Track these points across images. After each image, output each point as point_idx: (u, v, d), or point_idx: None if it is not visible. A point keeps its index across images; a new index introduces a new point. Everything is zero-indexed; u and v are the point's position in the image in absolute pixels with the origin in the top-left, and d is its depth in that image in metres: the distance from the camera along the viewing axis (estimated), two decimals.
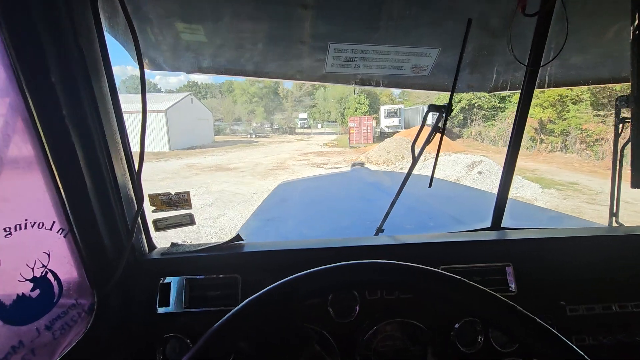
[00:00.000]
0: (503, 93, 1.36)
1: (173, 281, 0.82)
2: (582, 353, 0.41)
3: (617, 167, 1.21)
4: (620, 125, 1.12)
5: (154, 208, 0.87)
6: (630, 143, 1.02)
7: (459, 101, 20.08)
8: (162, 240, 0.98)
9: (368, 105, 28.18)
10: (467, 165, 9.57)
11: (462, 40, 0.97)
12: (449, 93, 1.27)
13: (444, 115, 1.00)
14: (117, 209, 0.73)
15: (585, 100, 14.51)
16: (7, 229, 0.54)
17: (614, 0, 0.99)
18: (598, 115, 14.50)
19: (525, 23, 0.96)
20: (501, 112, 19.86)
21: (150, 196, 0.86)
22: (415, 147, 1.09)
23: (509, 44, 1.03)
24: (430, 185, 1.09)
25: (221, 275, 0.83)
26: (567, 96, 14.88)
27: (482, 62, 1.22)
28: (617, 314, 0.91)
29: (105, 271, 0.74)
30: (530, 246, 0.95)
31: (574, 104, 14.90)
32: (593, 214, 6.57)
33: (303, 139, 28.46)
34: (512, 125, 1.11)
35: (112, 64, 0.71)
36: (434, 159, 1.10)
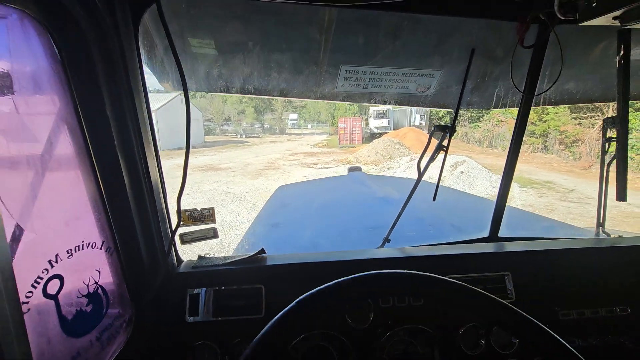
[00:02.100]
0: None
1: (202, 292, 0.88)
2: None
3: (604, 182, 1.29)
4: (607, 144, 1.22)
5: (182, 223, 0.93)
6: (615, 160, 1.13)
7: None
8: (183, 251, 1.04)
9: (358, 106, 28.42)
10: (451, 165, 10.02)
11: (463, 63, 1.06)
12: (447, 108, 1.38)
13: (447, 134, 1.09)
14: (155, 228, 0.80)
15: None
16: (69, 251, 0.60)
17: (601, 34, 1.09)
18: (575, 118, 15.16)
19: (523, 51, 1.05)
20: (486, 114, 20.41)
21: (178, 212, 0.93)
22: (421, 163, 1.19)
23: (511, 74, 1.13)
24: (434, 199, 1.18)
25: (247, 286, 0.89)
26: None
27: (483, 86, 1.32)
28: (604, 318, 1.00)
29: (143, 284, 0.80)
30: (525, 257, 1.04)
31: (553, 107, 15.48)
32: (564, 210, 7.05)
33: (293, 139, 28.49)
34: (511, 131, 1.20)
35: None
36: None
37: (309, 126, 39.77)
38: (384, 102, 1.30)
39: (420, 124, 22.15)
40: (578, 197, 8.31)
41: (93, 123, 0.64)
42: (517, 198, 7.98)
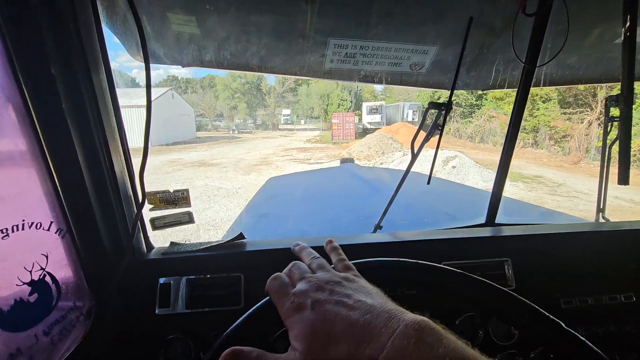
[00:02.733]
0: (495, 91, 1.39)
1: (173, 281, 0.80)
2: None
3: (605, 165, 1.24)
4: (609, 124, 1.14)
5: (152, 206, 0.85)
6: (618, 141, 1.06)
7: (438, 98, 20.60)
8: (156, 239, 0.95)
9: (350, 101, 28.35)
10: (443, 160, 10.07)
11: (460, 38, 0.98)
12: (437, 91, 1.30)
13: (443, 112, 1.02)
14: (117, 209, 0.71)
15: (554, 99, 15.31)
16: (4, 230, 0.51)
17: (606, 3, 1.02)
18: (565, 113, 15.35)
19: (523, 22, 0.98)
20: (477, 109, 20.58)
21: (149, 194, 0.83)
22: (415, 144, 1.12)
23: (512, 43, 1.05)
24: (428, 182, 1.11)
25: (224, 275, 0.82)
26: (537, 94, 15.63)
27: (480, 61, 1.24)
28: (607, 306, 0.95)
29: (105, 272, 0.71)
30: (525, 242, 0.98)
31: (544, 102, 15.69)
32: (553, 204, 7.09)
33: (286, 135, 28.29)
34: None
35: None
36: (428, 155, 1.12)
37: (302, 122, 39.53)
38: (375, 82, 1.22)
39: (413, 119, 22.18)
40: (567, 191, 8.42)
41: (37, 88, 0.54)
42: (507, 192, 7.94)
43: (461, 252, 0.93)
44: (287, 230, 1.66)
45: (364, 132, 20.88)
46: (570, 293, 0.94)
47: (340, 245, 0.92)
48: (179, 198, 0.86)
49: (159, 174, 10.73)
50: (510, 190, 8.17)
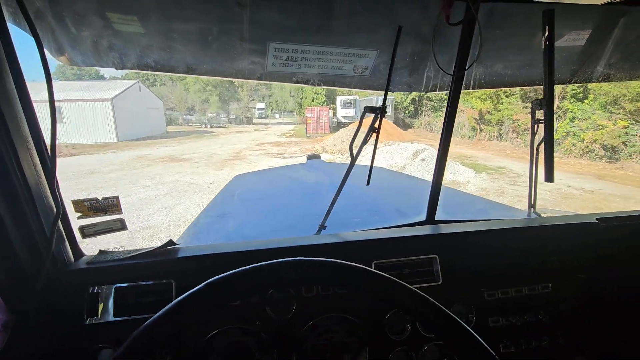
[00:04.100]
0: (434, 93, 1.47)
1: (102, 290, 0.79)
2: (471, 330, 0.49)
3: (534, 164, 1.30)
4: (535, 126, 1.21)
5: (80, 214, 0.83)
6: (543, 142, 1.15)
7: (410, 93, 21.13)
8: (97, 245, 0.94)
9: (325, 95, 28.33)
10: (412, 153, 10.41)
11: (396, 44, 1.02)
12: (380, 90, 1.35)
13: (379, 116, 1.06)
14: (32, 217, 0.69)
15: (516, 94, 16.15)
16: None
17: (527, 13, 1.09)
18: (526, 107, 16.27)
19: (453, 31, 1.04)
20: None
21: (75, 202, 0.82)
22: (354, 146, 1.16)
23: (433, 52, 1.11)
24: (368, 183, 1.14)
25: (155, 281, 0.81)
26: (501, 89, 16.44)
27: (415, 66, 1.31)
28: (527, 296, 1.02)
29: (23, 284, 0.69)
30: (457, 239, 1.04)
31: (507, 96, 16.51)
32: (513, 193, 7.60)
33: (260, 129, 27.86)
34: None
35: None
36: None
37: (277, 116, 39.03)
38: (320, 84, 1.25)
39: (386, 113, 22.56)
40: (525, 181, 8.96)
41: None
42: (472, 183, 8.48)
43: (396, 250, 0.97)
44: (232, 233, 1.66)
45: (339, 126, 20.99)
46: (494, 286, 1.01)
47: (282, 247, 0.95)
48: (109, 205, 0.85)
49: (127, 170, 10.33)
50: (474, 181, 8.61)
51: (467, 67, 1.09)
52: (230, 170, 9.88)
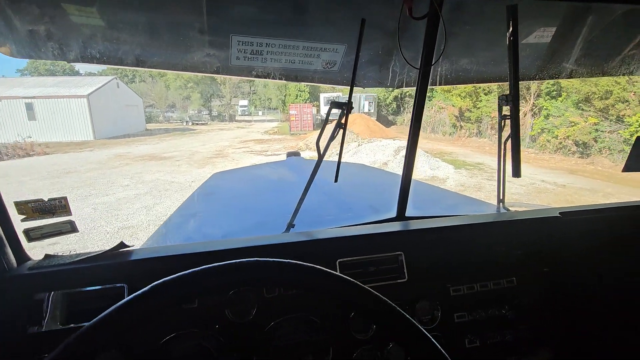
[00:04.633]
0: (409, 88, 1.46)
1: (46, 297, 0.74)
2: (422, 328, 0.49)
3: (502, 160, 1.30)
4: (502, 122, 1.20)
5: (24, 217, 0.78)
6: (510, 138, 1.14)
7: (392, 90, 21.38)
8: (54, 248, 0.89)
9: (309, 92, 28.21)
10: (394, 149, 10.50)
11: (365, 38, 0.99)
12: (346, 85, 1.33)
13: (345, 112, 1.05)
14: None
15: (494, 91, 16.62)
16: None
17: (492, 8, 1.09)
18: None
19: (419, 26, 1.02)
20: (428, 100, 21.69)
21: (18, 204, 0.77)
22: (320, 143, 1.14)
23: (398, 45, 1.10)
24: (336, 181, 1.11)
25: (106, 286, 0.77)
26: (480, 87, 16.87)
27: (383, 61, 1.30)
28: (492, 291, 1.01)
29: None
30: (425, 235, 1.03)
31: (485, 94, 16.96)
32: (490, 188, 7.83)
33: (243, 126, 27.46)
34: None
35: None
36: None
37: (260, 113, 38.54)
38: (289, 79, 1.22)
39: (369, 110, 22.74)
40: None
41: None
42: (451, 179, 8.69)
43: (363, 248, 0.96)
44: (206, 232, 1.61)
45: (322, 123, 20.97)
46: (460, 281, 1.00)
47: (250, 246, 0.92)
48: (57, 207, 0.80)
49: (105, 169, 10.01)
50: (454, 177, 8.84)
51: (433, 62, 1.08)
52: (212, 168, 9.72)
